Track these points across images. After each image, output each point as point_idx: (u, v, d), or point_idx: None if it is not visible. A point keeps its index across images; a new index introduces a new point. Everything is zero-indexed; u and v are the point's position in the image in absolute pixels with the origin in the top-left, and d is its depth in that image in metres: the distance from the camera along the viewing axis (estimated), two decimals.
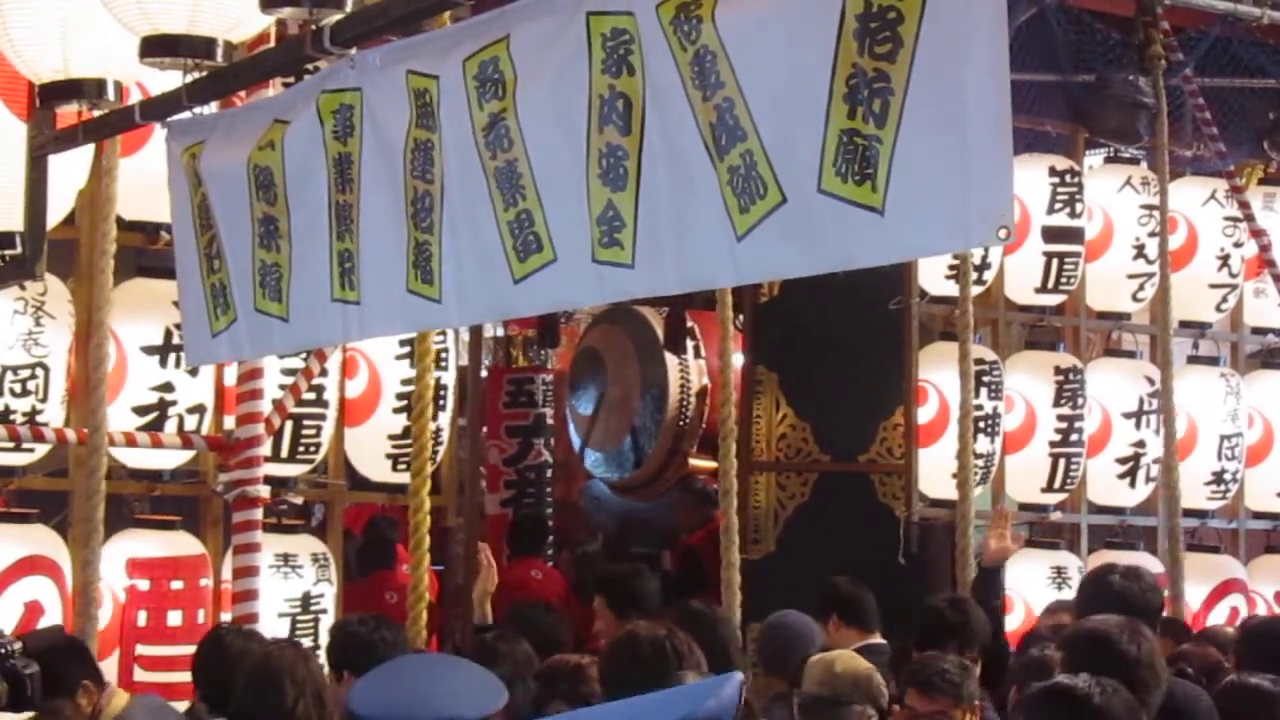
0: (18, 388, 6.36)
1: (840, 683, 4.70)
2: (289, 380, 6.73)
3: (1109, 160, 9.47)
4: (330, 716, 4.56)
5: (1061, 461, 8.86)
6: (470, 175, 3.87)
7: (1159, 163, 8.30)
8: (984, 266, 8.66)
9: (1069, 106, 9.09)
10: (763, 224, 3.21)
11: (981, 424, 8.37)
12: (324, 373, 6.92)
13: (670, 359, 10.34)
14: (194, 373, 6.58)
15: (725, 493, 7.16)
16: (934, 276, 8.49)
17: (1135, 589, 5.37)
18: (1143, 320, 9.54)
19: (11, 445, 6.34)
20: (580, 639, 7.31)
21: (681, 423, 10.33)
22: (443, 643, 8.92)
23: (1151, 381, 9.15)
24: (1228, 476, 9.42)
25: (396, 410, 7.40)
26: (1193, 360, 9.65)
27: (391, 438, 7.43)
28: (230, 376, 6.62)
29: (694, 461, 10.47)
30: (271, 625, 6.52)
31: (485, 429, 10.38)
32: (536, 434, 10.39)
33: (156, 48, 4.70)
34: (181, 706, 6.42)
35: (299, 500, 7.21)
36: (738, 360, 8.31)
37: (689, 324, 10.33)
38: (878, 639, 6.40)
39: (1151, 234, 9.15)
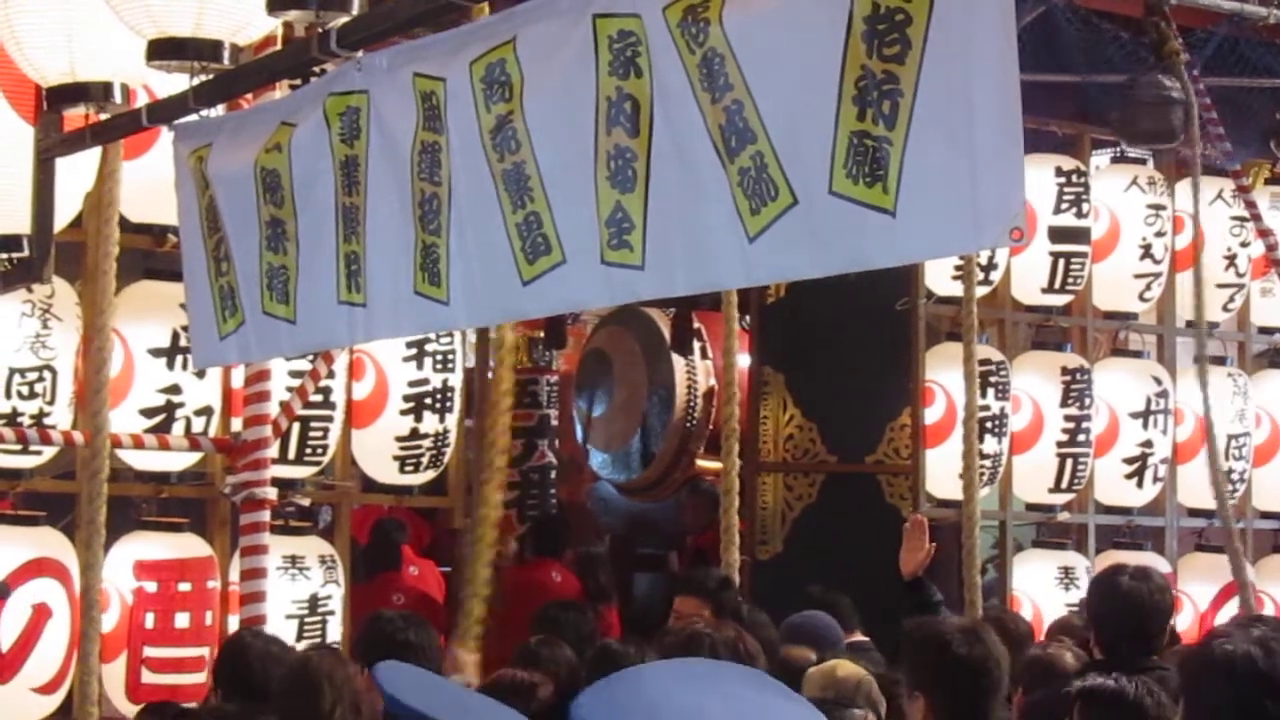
0: (25, 390, 6.35)
1: (844, 687, 4.73)
2: (296, 382, 6.73)
3: (1115, 160, 9.46)
4: None
5: (1069, 461, 8.85)
6: (478, 177, 3.87)
7: (1192, 159, 8.15)
8: (990, 267, 8.64)
9: (1083, 110, 9.05)
10: (774, 225, 3.21)
11: (988, 424, 8.36)
12: (331, 374, 6.91)
13: (677, 360, 10.33)
14: (201, 375, 6.57)
15: (726, 493, 7.17)
16: (940, 277, 8.49)
17: (1144, 589, 5.34)
18: (1149, 320, 9.53)
19: (19, 448, 6.34)
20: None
21: (689, 424, 10.32)
22: (449, 643, 8.91)
23: (1159, 381, 9.14)
24: (1234, 476, 9.40)
25: (404, 412, 7.40)
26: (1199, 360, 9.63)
27: (399, 439, 7.43)
28: (237, 379, 6.62)
29: (701, 462, 10.45)
30: (279, 627, 6.51)
31: None
32: (540, 435, 10.37)
33: (163, 50, 4.71)
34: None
35: (306, 502, 7.21)
36: (743, 361, 8.31)
37: (696, 325, 10.32)
38: (859, 636, 6.42)
39: (1158, 234, 9.14)
